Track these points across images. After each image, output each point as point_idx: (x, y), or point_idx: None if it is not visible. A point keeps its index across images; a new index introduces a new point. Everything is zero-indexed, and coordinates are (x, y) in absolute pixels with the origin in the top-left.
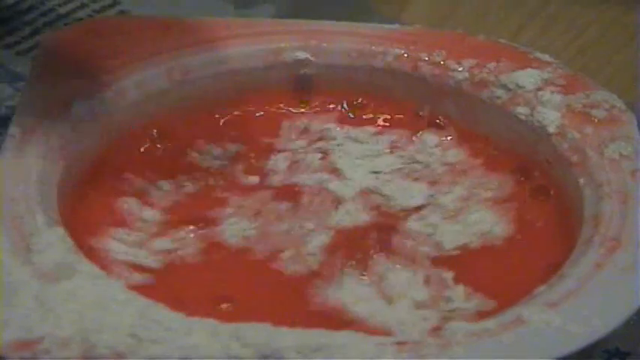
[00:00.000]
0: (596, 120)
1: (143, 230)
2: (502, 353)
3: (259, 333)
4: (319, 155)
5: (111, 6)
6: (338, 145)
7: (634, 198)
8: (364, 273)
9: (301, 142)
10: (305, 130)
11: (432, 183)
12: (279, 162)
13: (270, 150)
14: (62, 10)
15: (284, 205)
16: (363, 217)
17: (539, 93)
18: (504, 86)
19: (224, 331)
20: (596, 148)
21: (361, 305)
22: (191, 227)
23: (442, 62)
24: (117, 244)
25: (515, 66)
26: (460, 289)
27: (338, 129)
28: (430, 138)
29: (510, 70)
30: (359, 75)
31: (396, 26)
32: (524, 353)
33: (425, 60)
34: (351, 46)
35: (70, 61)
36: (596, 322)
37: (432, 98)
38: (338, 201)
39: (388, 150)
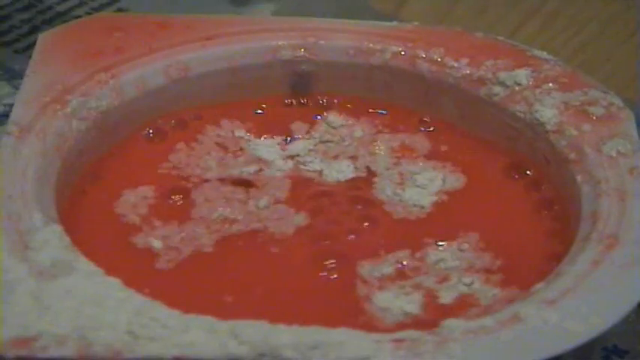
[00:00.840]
0: (594, 117)
1: (142, 222)
2: (499, 350)
3: (256, 330)
4: (239, 152)
5: (109, 4)
6: (247, 140)
7: (632, 195)
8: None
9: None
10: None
11: (353, 158)
12: (208, 160)
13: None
14: (60, 8)
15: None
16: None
17: (536, 90)
18: (502, 83)
19: (221, 328)
20: (594, 145)
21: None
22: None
23: (440, 60)
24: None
25: (513, 63)
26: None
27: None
28: (334, 119)
29: (508, 67)
30: (357, 72)
31: (394, 24)
32: (521, 351)
33: (423, 57)
34: (349, 43)
35: (68, 59)
36: (594, 320)
37: (430, 95)
38: (282, 180)
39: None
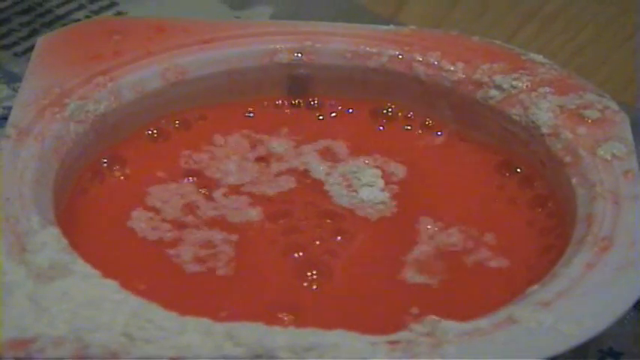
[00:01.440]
0: (589, 120)
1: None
2: (494, 352)
3: (252, 332)
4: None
5: (108, 7)
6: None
7: (626, 198)
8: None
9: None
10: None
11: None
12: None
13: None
14: (60, 12)
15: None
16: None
17: (532, 94)
18: (498, 87)
19: (217, 330)
20: (589, 148)
21: None
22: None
23: (436, 63)
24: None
25: (509, 67)
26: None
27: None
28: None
29: (504, 71)
30: (353, 75)
31: (391, 27)
32: (516, 352)
33: (419, 61)
34: (346, 47)
35: (67, 62)
36: (588, 322)
37: (427, 99)
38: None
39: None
